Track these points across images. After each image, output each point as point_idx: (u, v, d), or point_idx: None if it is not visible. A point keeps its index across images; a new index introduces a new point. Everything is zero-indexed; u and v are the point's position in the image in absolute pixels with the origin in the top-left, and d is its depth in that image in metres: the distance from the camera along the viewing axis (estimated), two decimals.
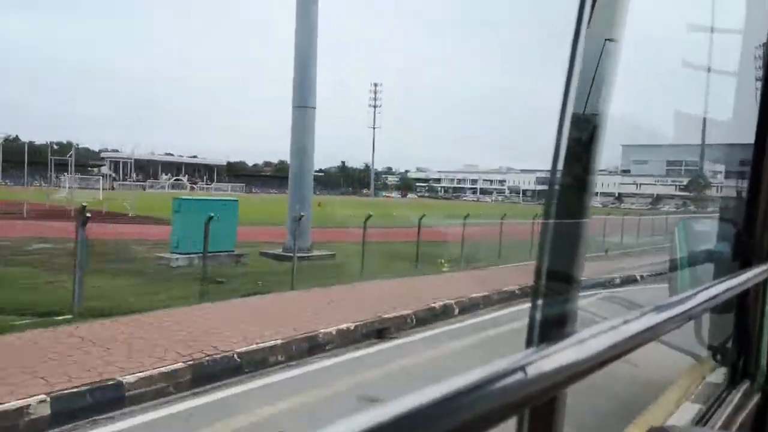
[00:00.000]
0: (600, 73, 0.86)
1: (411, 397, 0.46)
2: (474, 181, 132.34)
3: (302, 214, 14.54)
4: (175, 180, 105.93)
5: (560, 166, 0.83)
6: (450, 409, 0.48)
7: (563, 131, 0.82)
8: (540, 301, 0.81)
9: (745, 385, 2.25)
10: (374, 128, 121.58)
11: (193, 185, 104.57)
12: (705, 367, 2.54)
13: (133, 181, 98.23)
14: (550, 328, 0.77)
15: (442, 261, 16.01)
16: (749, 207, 2.10)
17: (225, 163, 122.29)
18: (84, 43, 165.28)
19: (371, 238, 15.14)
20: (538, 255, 0.84)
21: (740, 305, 2.24)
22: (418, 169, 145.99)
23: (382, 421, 0.42)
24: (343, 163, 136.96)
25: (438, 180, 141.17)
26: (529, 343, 0.76)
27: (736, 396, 2.17)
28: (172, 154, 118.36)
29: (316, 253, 15.90)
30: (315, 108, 17.03)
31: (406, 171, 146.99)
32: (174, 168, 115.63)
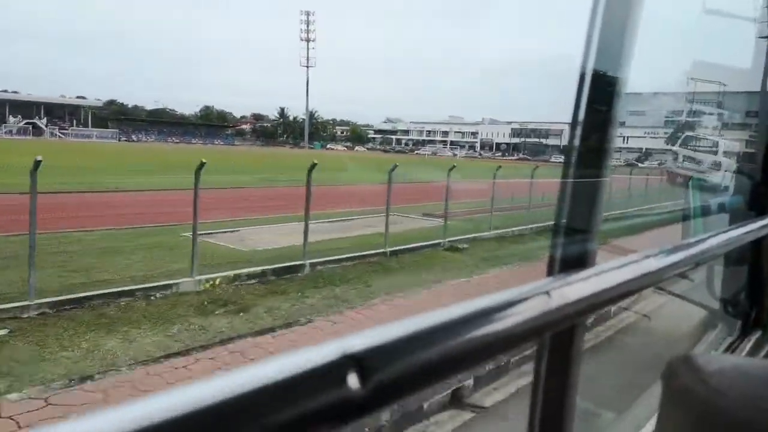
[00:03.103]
0: (620, 30, 0.86)
1: (438, 313, 0.49)
2: (445, 134, 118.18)
3: None
4: (26, 123, 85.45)
5: (579, 126, 0.85)
6: (473, 326, 0.50)
7: (583, 91, 0.83)
8: (561, 238, 0.83)
9: (756, 335, 2.27)
10: (308, 66, 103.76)
11: (46, 128, 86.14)
12: (717, 319, 2.56)
13: None
14: (571, 262, 0.79)
15: None
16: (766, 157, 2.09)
17: (102, 104, 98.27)
18: None
19: None
20: (558, 199, 0.86)
21: (754, 256, 2.25)
22: (388, 120, 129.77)
23: (410, 332, 0.44)
24: (283, 110, 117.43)
25: (406, 132, 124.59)
26: (550, 273, 0.78)
27: (747, 345, 2.20)
28: (17, 92, 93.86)
29: None
30: None
31: (356, 123, 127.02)
32: (32, 109, 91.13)
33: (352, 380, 0.37)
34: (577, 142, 0.86)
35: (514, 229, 13.95)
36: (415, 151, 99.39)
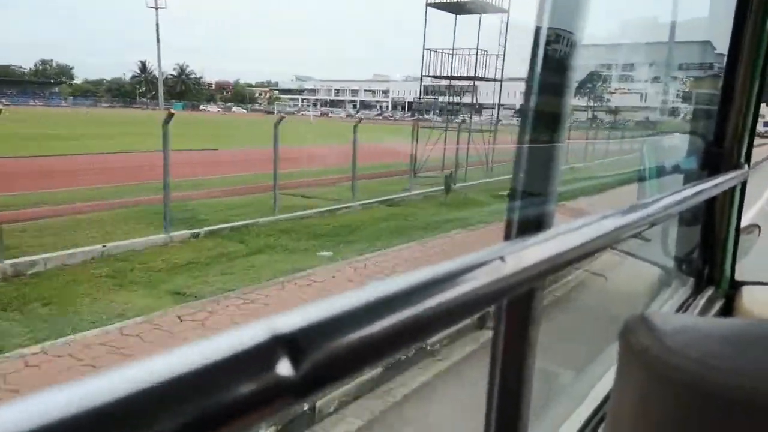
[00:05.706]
0: None
1: (383, 285, 0.45)
2: (354, 92, 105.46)
3: None
4: None
5: (535, 87, 0.82)
6: (422, 297, 0.47)
7: (538, 54, 0.80)
8: (517, 201, 0.80)
9: (709, 291, 2.33)
10: (156, 8, 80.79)
11: None
12: (672, 277, 2.62)
13: None
14: (528, 225, 0.76)
15: None
16: (720, 116, 2.11)
17: None
18: None
19: None
20: (515, 161, 0.83)
21: (707, 214, 2.29)
22: (297, 78, 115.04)
23: (352, 306, 0.40)
24: (144, 64, 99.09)
25: (314, 91, 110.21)
26: (507, 237, 0.75)
27: (701, 302, 2.26)
28: None
29: None
30: None
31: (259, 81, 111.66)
32: None
33: (283, 364, 0.33)
34: (532, 102, 0.82)
35: None
36: (301, 112, 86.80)
